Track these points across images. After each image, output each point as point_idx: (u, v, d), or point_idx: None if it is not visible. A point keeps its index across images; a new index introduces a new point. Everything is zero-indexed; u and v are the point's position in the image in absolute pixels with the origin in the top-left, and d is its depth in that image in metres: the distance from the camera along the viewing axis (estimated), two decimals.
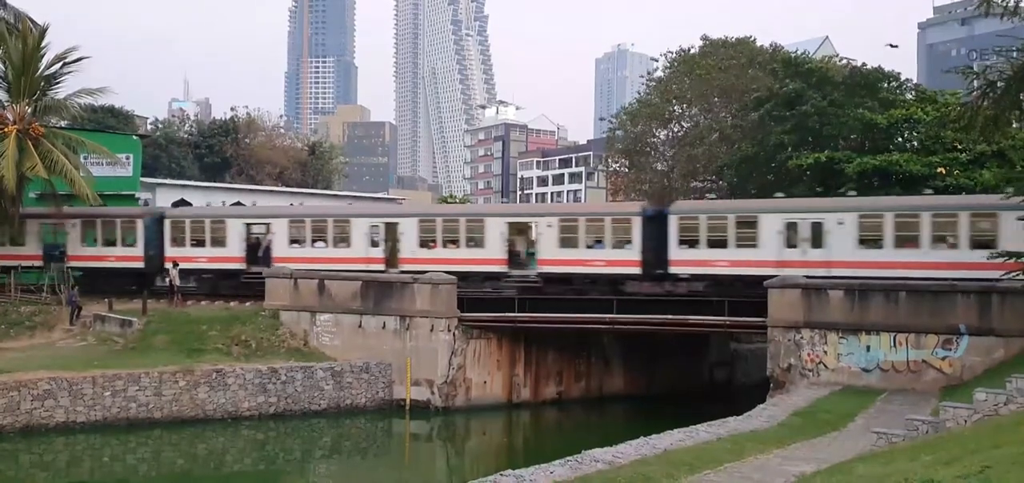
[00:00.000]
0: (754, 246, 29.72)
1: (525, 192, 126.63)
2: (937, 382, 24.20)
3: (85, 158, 39.21)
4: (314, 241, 35.63)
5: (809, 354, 25.96)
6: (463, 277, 31.53)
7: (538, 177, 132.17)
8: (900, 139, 40.45)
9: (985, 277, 24.96)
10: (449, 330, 30.26)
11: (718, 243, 30.22)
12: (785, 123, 41.93)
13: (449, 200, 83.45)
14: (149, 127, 78.21)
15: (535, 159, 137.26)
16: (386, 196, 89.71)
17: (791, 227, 29.37)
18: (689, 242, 30.68)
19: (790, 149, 41.11)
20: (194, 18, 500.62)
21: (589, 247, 32.20)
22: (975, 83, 21.02)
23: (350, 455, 27.88)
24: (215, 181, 64.16)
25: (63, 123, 40.04)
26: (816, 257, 28.81)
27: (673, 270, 30.77)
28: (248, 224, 36.83)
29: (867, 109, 39.68)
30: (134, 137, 50.18)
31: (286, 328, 31.77)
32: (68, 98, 37.76)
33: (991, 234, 26.84)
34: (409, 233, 34.23)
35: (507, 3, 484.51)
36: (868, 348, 25.34)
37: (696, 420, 19.45)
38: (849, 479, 11.70)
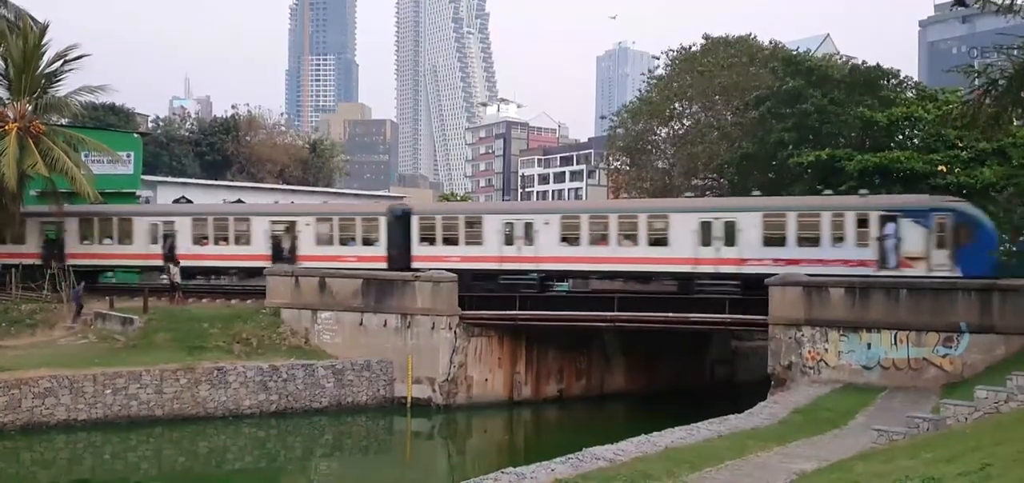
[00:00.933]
0: (480, 244, 33.09)
1: (526, 190, 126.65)
2: (938, 380, 24.20)
3: (86, 156, 39.20)
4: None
5: (810, 352, 25.97)
6: (237, 272, 36.62)
7: (539, 175, 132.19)
8: (901, 137, 40.42)
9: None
10: (450, 328, 30.28)
11: (451, 241, 33.37)
12: (786, 121, 41.90)
13: (451, 198, 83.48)
14: (150, 125, 78.19)
15: (536, 157, 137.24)
16: (387, 195, 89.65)
17: (508, 226, 32.94)
18: (428, 240, 33.72)
19: (791, 147, 41.08)
20: (195, 16, 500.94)
21: (342, 244, 35.07)
22: (976, 81, 21.00)
23: (351, 453, 27.91)
24: (216, 179, 64.15)
25: (64, 121, 40.02)
26: (528, 253, 32.38)
27: (415, 265, 33.16)
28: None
29: (868, 107, 39.64)
30: (135, 135, 50.23)
31: (287, 326, 31.79)
32: (69, 96, 37.76)
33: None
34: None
35: (508, 1, 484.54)
36: (869, 346, 25.34)
37: (697, 418, 19.46)
38: (850, 477, 11.72)
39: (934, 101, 38.91)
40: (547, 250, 32.04)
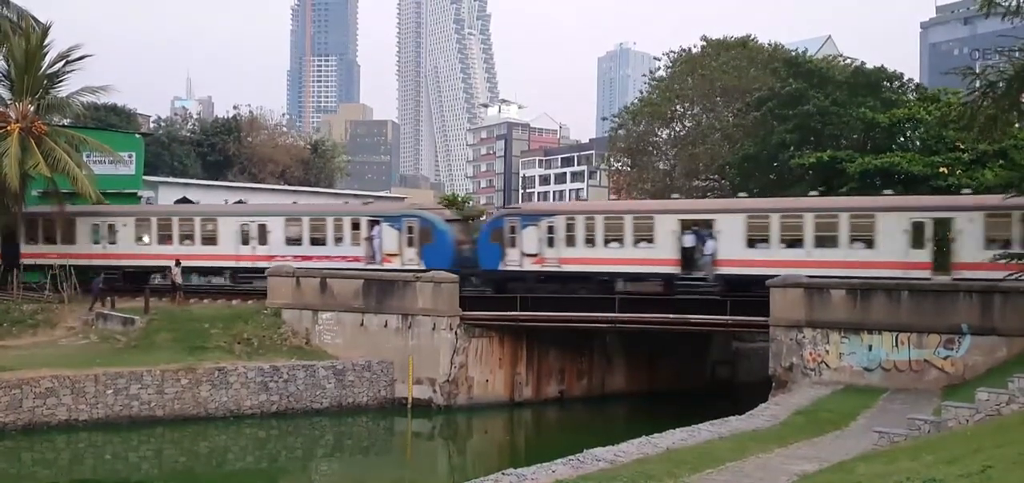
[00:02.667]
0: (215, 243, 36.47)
1: (527, 191, 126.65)
2: (939, 381, 24.18)
3: (87, 156, 39.27)
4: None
5: (811, 353, 25.95)
6: None
7: (540, 176, 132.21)
8: (902, 139, 40.42)
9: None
10: (451, 328, 30.29)
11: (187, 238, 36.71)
12: (787, 122, 41.91)
13: (453, 199, 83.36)
14: (152, 125, 78.26)
15: (537, 158, 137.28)
16: (389, 195, 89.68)
17: (244, 227, 36.29)
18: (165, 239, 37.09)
19: (792, 148, 41.09)
20: (196, 17, 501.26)
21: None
22: (976, 83, 20.99)
23: (352, 453, 27.92)
24: (217, 180, 64.17)
25: (66, 121, 40.09)
26: (262, 252, 35.76)
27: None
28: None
29: (869, 108, 39.65)
30: (136, 135, 50.28)
31: (288, 326, 31.81)
32: (71, 96, 37.85)
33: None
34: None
35: (509, 2, 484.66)
36: (870, 347, 25.32)
37: (698, 419, 19.46)
38: (851, 478, 11.71)
39: (936, 103, 38.91)
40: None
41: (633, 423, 25.22)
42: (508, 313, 30.90)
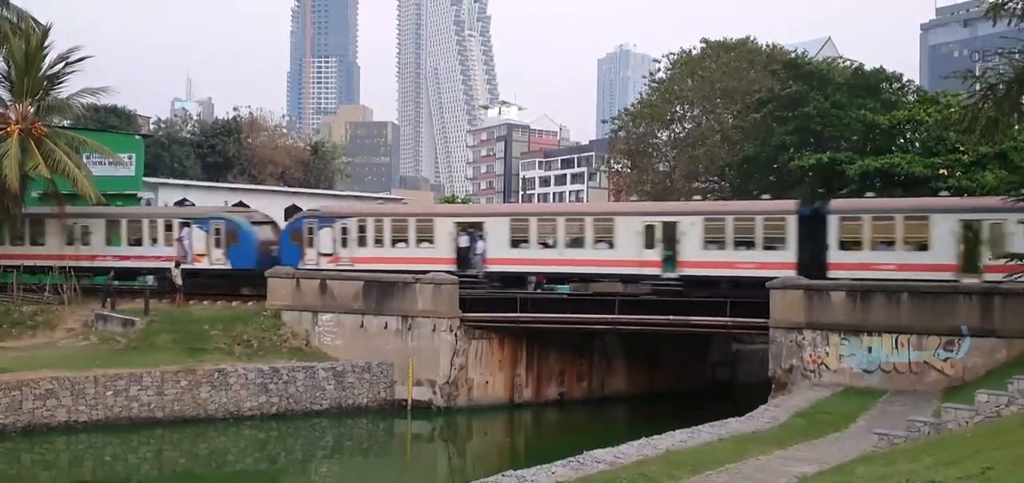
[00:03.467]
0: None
1: (527, 192, 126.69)
2: (939, 383, 24.18)
3: (87, 157, 39.26)
4: None
5: (811, 355, 25.96)
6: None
7: (540, 177, 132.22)
8: (902, 140, 40.42)
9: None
10: (451, 330, 30.29)
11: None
12: (787, 124, 41.91)
13: (453, 200, 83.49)
14: (152, 127, 78.20)
15: (537, 159, 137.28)
16: (388, 196, 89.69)
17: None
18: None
19: (792, 150, 41.09)
20: (196, 18, 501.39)
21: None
22: (976, 86, 20.99)
23: (352, 455, 27.92)
24: (217, 181, 64.16)
25: (66, 123, 40.08)
26: (84, 251, 37.73)
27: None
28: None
29: (869, 110, 39.65)
30: (136, 137, 50.23)
31: (288, 328, 31.81)
32: (71, 98, 37.81)
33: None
34: None
35: (509, 4, 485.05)
36: (870, 349, 25.33)
37: (698, 420, 19.47)
38: (850, 480, 11.72)
39: (935, 105, 38.91)
40: None
41: (633, 425, 25.25)
42: (508, 315, 30.91)
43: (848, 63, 48.73)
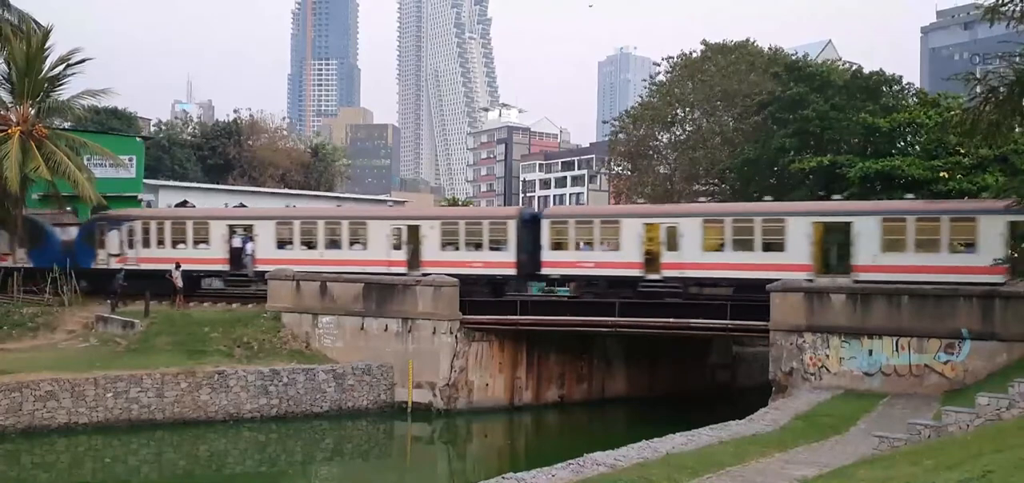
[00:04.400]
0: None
1: (528, 195, 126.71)
2: (939, 386, 24.14)
3: (88, 159, 39.24)
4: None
5: (811, 358, 25.93)
6: None
7: (541, 180, 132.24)
8: (903, 143, 40.43)
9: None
10: (451, 332, 30.29)
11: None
12: (787, 126, 41.94)
13: (454, 203, 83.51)
14: (152, 129, 78.28)
15: (537, 162, 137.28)
16: (388, 198, 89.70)
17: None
18: None
19: (792, 153, 41.11)
20: (197, 21, 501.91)
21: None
22: (977, 89, 20.99)
23: (352, 457, 27.90)
24: (218, 183, 64.22)
25: (66, 124, 40.09)
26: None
27: None
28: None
29: (869, 113, 39.66)
30: (137, 139, 50.20)
31: (288, 330, 31.80)
32: (71, 100, 37.79)
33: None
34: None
35: (510, 6, 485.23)
36: (870, 352, 25.30)
37: (698, 423, 19.47)
38: None
39: (936, 107, 38.93)
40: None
41: (633, 427, 25.24)
42: (508, 317, 30.92)
43: (848, 65, 48.79)
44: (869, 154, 38.96)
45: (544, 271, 33.10)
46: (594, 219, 33.83)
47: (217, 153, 73.05)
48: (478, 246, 33.76)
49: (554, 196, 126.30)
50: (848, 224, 29.47)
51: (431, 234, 34.21)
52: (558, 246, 32.85)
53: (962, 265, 27.72)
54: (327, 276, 32.77)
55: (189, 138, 78.24)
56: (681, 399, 32.46)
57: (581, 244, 32.77)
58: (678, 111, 55.54)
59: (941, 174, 35.22)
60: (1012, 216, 26.74)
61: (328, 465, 26.47)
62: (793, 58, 50.00)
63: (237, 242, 36.51)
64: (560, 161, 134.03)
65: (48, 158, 34.55)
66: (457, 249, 33.91)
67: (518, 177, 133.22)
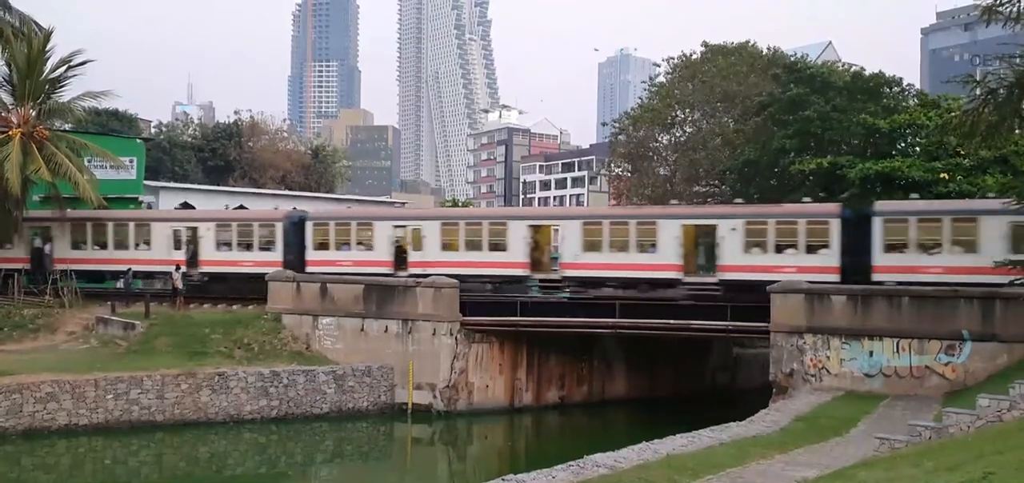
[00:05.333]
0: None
1: (528, 196, 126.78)
2: (940, 388, 24.15)
3: (89, 161, 39.27)
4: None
5: (812, 359, 25.94)
6: None
7: (541, 181, 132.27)
8: (903, 144, 40.42)
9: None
10: (451, 334, 30.29)
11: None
12: (788, 128, 41.92)
13: (455, 203, 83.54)
14: (153, 130, 78.35)
15: (538, 163, 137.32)
16: (389, 200, 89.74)
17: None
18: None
19: (792, 154, 41.09)
20: (198, 22, 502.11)
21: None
22: (977, 90, 21.00)
23: (352, 459, 27.90)
24: (218, 184, 64.23)
25: (67, 126, 40.08)
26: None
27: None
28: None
29: (870, 114, 39.65)
30: (137, 140, 50.22)
31: (288, 331, 31.79)
32: (72, 101, 37.82)
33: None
34: None
35: (510, 7, 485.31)
36: (871, 353, 25.31)
37: (698, 425, 19.48)
38: None
39: (936, 108, 38.92)
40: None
41: (633, 429, 25.27)
42: (508, 319, 30.91)
43: (848, 67, 48.76)
44: (869, 155, 38.94)
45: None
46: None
47: (217, 155, 73.06)
48: (255, 246, 36.70)
49: (554, 197, 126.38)
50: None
51: (208, 235, 36.67)
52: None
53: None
54: (327, 277, 32.77)
55: (190, 140, 78.26)
56: (681, 401, 32.45)
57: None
58: (678, 112, 55.51)
59: (941, 175, 35.21)
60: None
61: (328, 467, 26.47)
62: (793, 59, 49.95)
63: (39, 244, 37.66)
64: (560, 162, 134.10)
65: (49, 160, 34.59)
66: (230, 249, 36.71)
67: (518, 178, 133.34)
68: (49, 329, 32.87)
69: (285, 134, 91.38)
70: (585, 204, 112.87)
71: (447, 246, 34.04)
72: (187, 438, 26.55)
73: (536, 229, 33.66)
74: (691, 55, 55.75)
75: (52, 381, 25.78)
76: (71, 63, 37.10)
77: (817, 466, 14.39)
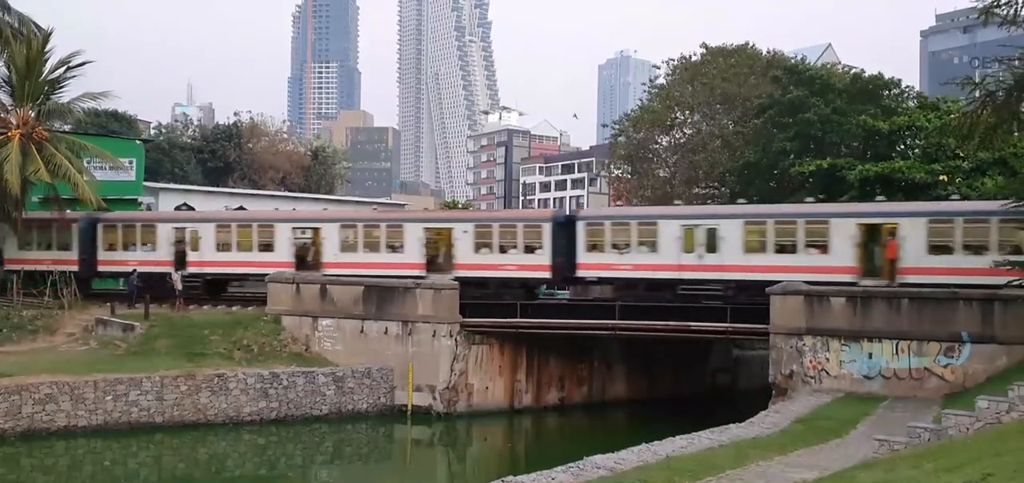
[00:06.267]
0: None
1: (528, 198, 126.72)
2: (939, 389, 24.15)
3: (88, 162, 39.30)
4: None
5: (811, 361, 25.93)
6: None
7: (541, 183, 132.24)
8: (902, 146, 40.44)
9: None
10: (451, 335, 30.27)
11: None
12: (787, 130, 41.94)
13: (452, 206, 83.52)
14: (152, 132, 78.37)
15: (538, 165, 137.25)
16: (389, 201, 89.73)
17: None
18: None
19: (792, 156, 41.11)
20: (198, 24, 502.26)
21: None
22: (976, 92, 21.02)
23: (351, 460, 27.90)
24: (218, 186, 64.23)
25: (66, 127, 40.09)
26: None
27: None
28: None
29: (869, 116, 39.67)
30: (137, 141, 50.28)
31: (288, 333, 31.78)
32: (71, 102, 37.87)
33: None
34: None
35: (510, 9, 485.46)
36: (870, 355, 25.30)
37: (698, 426, 19.47)
38: None
39: (936, 111, 38.95)
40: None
41: (633, 430, 25.26)
42: (508, 320, 30.90)
43: (848, 69, 48.79)
44: (869, 157, 38.96)
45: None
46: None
47: (217, 156, 73.07)
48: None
49: (554, 199, 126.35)
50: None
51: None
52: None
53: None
54: (328, 279, 32.76)
55: (189, 141, 78.29)
56: (681, 402, 32.42)
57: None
58: (678, 114, 55.55)
59: (941, 177, 35.23)
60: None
61: (328, 468, 26.45)
62: (793, 61, 49.98)
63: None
64: (560, 164, 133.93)
65: (48, 161, 34.58)
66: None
67: (518, 180, 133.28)
68: (48, 330, 32.85)
69: (285, 135, 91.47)
70: (586, 205, 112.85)
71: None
72: (186, 440, 26.54)
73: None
74: (691, 57, 55.81)
75: (51, 382, 25.76)
76: (70, 64, 37.14)
77: (816, 468, 14.38)
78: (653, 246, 31.38)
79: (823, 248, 29.33)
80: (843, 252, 28.91)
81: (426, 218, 39.16)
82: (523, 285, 33.59)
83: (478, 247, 33.64)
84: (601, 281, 33.77)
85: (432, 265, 33.96)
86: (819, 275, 28.09)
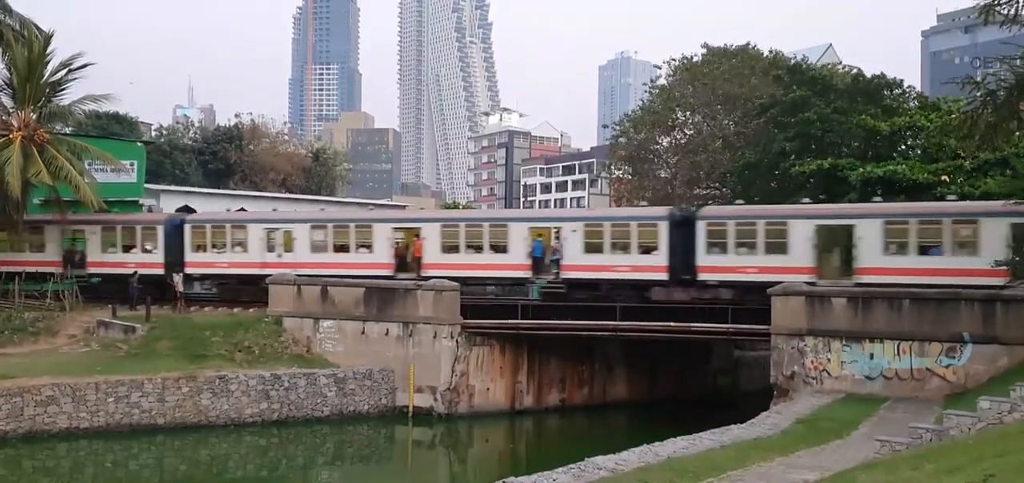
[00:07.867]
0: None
1: (529, 199, 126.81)
2: (941, 390, 24.13)
3: (89, 164, 39.26)
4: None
5: (812, 361, 25.91)
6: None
7: (541, 184, 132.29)
8: (904, 147, 40.44)
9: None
10: (452, 337, 30.28)
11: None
12: (788, 130, 41.94)
13: (454, 206, 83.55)
14: (153, 134, 78.42)
15: (538, 166, 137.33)
16: (389, 203, 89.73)
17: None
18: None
19: (793, 156, 41.11)
20: (199, 25, 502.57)
21: None
22: (977, 92, 21.01)
23: (353, 462, 27.90)
24: (219, 188, 64.25)
25: (68, 129, 40.10)
26: None
27: None
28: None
29: (870, 116, 39.66)
30: (138, 144, 50.24)
31: (289, 334, 31.79)
32: (73, 104, 37.84)
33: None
34: None
35: (510, 10, 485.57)
36: (872, 356, 25.29)
37: (699, 427, 19.47)
38: None
39: (937, 111, 38.94)
40: None
41: (634, 431, 25.26)
42: (509, 321, 30.90)
43: (849, 69, 48.78)
44: (870, 158, 38.95)
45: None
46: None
47: (218, 158, 73.09)
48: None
49: (555, 200, 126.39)
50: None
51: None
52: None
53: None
54: (328, 280, 32.78)
55: (190, 143, 78.30)
56: (682, 403, 32.41)
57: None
58: (679, 115, 55.55)
59: (942, 177, 35.21)
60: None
61: (329, 470, 26.44)
62: (794, 62, 49.97)
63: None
64: (561, 165, 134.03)
65: (49, 163, 34.59)
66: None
67: (519, 181, 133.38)
68: (50, 332, 32.85)
69: (286, 137, 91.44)
70: (586, 206, 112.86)
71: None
72: (188, 441, 26.56)
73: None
74: (692, 57, 55.80)
75: (53, 384, 25.79)
76: (71, 66, 37.14)
77: (818, 468, 14.38)
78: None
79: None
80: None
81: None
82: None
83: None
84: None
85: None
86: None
